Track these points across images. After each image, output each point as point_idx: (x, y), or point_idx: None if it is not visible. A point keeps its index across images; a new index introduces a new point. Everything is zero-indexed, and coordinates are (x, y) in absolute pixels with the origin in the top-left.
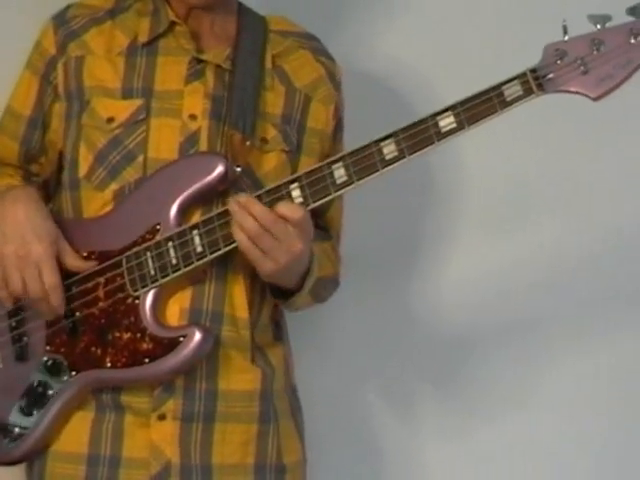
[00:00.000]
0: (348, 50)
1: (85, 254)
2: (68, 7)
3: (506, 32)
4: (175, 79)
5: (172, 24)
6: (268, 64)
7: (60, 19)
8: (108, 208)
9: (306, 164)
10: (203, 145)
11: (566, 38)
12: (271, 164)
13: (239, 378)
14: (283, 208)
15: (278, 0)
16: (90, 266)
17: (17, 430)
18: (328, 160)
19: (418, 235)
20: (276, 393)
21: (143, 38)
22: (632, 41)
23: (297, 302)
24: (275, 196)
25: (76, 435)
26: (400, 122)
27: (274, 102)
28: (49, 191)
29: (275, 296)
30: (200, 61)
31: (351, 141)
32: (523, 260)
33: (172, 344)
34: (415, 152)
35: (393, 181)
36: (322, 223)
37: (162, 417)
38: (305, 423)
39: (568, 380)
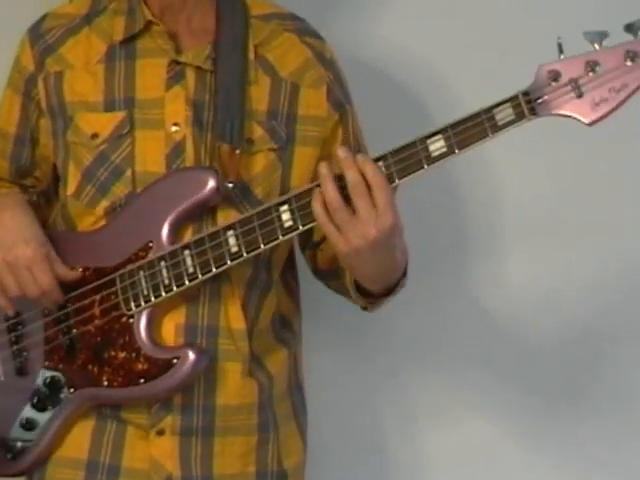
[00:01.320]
0: (345, 37)
1: (80, 270)
2: (44, 17)
3: (510, 19)
4: (155, 84)
5: (148, 23)
6: (251, 55)
7: (36, 33)
8: (101, 224)
9: (302, 154)
10: (189, 155)
11: (561, 57)
12: (258, 167)
13: (236, 393)
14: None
15: None
16: (76, 276)
17: (19, 444)
18: (310, 185)
19: (434, 243)
20: (276, 398)
21: (118, 37)
22: (628, 64)
23: (382, 304)
24: (265, 219)
25: (77, 442)
26: (395, 110)
27: (259, 97)
28: (50, 201)
29: (361, 294)
30: (179, 62)
31: None
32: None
33: (166, 365)
34: (404, 177)
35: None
36: None
37: (161, 432)
38: (311, 424)
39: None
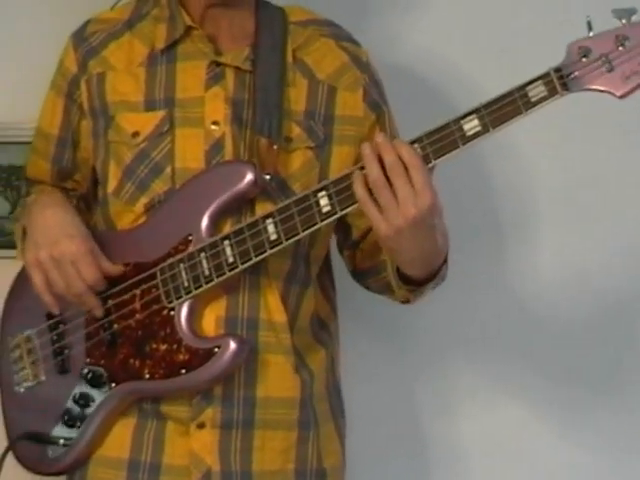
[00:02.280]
0: (375, 43)
1: (121, 265)
2: (87, 23)
3: (537, 20)
4: (195, 85)
5: (188, 29)
6: (289, 58)
7: (79, 37)
8: (141, 221)
9: (340, 154)
10: (228, 151)
11: (590, 34)
12: (296, 164)
13: (278, 385)
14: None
15: None
16: (119, 270)
17: (62, 442)
18: (349, 170)
19: (471, 231)
20: (316, 397)
21: (160, 45)
22: None
23: (425, 292)
24: (303, 205)
25: (118, 441)
26: (428, 113)
27: (297, 98)
28: (89, 205)
29: (406, 282)
30: (219, 64)
31: None
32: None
33: (207, 355)
34: (440, 157)
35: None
36: None
37: (201, 426)
38: (349, 425)
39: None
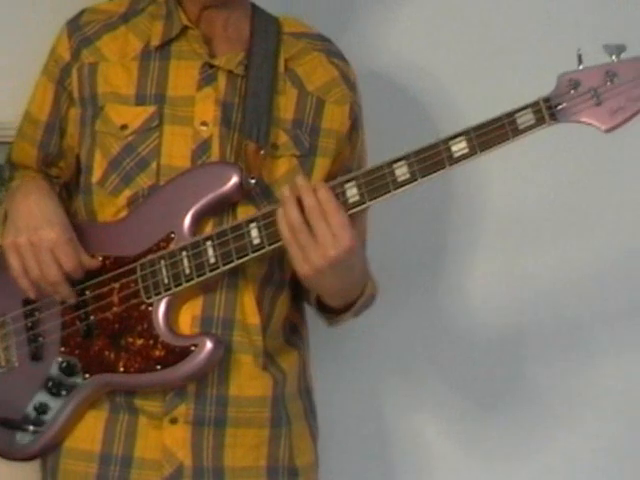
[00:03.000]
0: (356, 50)
1: (100, 258)
2: (83, 12)
3: (517, 32)
4: (187, 84)
5: (185, 28)
6: (281, 68)
7: (74, 25)
8: (122, 214)
9: (321, 165)
10: (215, 152)
11: (580, 67)
12: (281, 170)
13: (250, 384)
14: (323, 196)
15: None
16: (96, 264)
17: (32, 428)
18: (340, 179)
19: (441, 246)
20: (288, 397)
21: (155, 42)
22: None
23: (344, 320)
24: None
25: (90, 433)
26: (408, 123)
27: (286, 106)
28: (70, 193)
29: (322, 311)
30: (212, 66)
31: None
32: (543, 270)
33: (184, 353)
34: (426, 175)
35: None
36: None
37: (174, 421)
38: (320, 428)
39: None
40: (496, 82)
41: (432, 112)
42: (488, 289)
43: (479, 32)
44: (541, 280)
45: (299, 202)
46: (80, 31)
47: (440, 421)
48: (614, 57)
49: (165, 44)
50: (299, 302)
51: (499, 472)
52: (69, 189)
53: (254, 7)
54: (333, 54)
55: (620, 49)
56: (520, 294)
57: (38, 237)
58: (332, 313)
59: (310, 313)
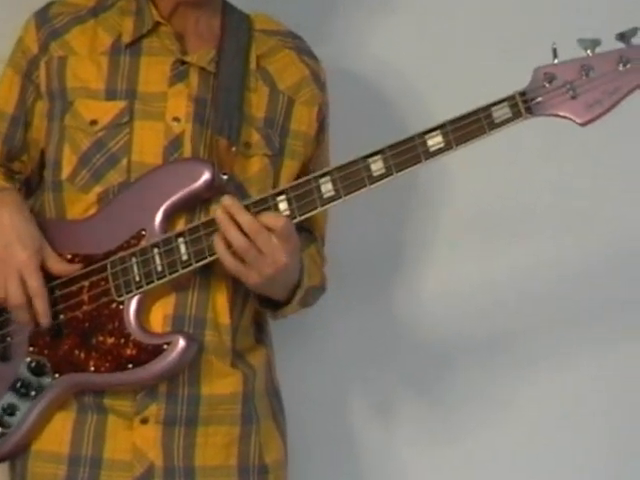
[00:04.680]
0: (334, 50)
1: (69, 256)
2: (51, 3)
3: (495, 35)
4: (159, 80)
5: (156, 24)
6: (252, 65)
7: (43, 16)
8: (92, 211)
9: (289, 167)
10: (187, 148)
11: (556, 61)
12: (254, 169)
13: (221, 382)
14: (266, 218)
15: None
16: (74, 269)
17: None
18: (316, 174)
19: (402, 242)
20: (257, 394)
21: (127, 38)
22: (620, 68)
23: (286, 312)
24: (262, 207)
25: (58, 435)
26: (385, 123)
27: (257, 104)
28: (30, 189)
29: (263, 305)
30: (184, 62)
31: (336, 143)
32: (509, 269)
33: (156, 351)
34: (402, 170)
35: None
36: (306, 224)
37: (145, 421)
38: (288, 425)
39: (551, 390)
40: (473, 82)
41: (408, 113)
42: (447, 286)
43: (455, 31)
44: (503, 278)
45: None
46: (49, 23)
47: (407, 418)
48: (589, 51)
49: (136, 41)
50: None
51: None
52: (29, 185)
53: (225, 4)
54: (304, 52)
55: (595, 43)
56: (482, 291)
57: (8, 254)
58: (272, 306)
59: None
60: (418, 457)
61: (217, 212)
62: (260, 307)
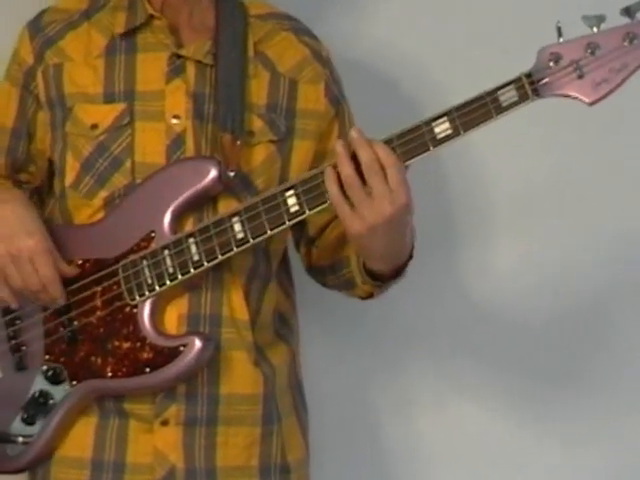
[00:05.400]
0: (334, 36)
1: (80, 262)
2: (43, 12)
3: (500, 16)
4: (156, 77)
5: (150, 18)
6: (250, 52)
7: (35, 26)
8: (99, 216)
9: (300, 148)
10: (189, 146)
11: (560, 40)
12: (259, 157)
13: (241, 382)
14: (381, 150)
15: None
16: (76, 272)
17: (21, 439)
18: (318, 169)
19: (431, 232)
20: (278, 391)
21: (119, 29)
22: (627, 44)
23: (388, 288)
24: (271, 204)
25: (80, 440)
26: (388, 108)
27: (258, 91)
28: (42, 199)
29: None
30: (180, 56)
31: None
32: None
33: (172, 353)
34: (410, 158)
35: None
36: None
37: (165, 423)
38: (311, 420)
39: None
40: (480, 66)
41: (416, 98)
42: (473, 281)
43: (460, 14)
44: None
45: (353, 159)
46: (42, 32)
47: (434, 414)
48: (594, 28)
49: (130, 33)
50: (289, 291)
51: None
52: (41, 194)
53: None
54: (302, 32)
55: (600, 20)
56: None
57: (16, 247)
58: (377, 279)
59: (301, 303)
60: (440, 452)
61: (338, 143)
62: (364, 280)
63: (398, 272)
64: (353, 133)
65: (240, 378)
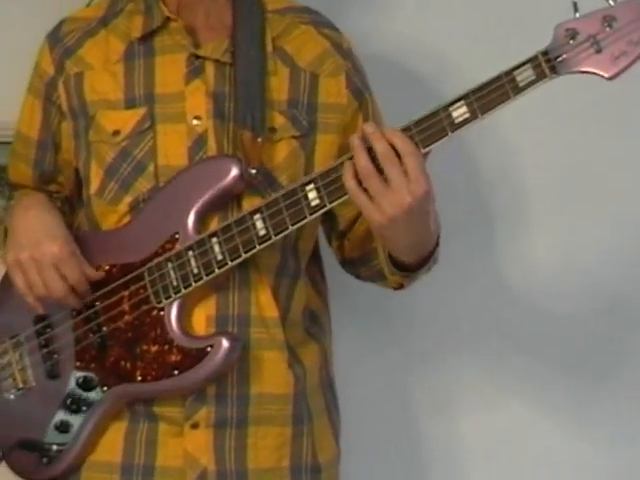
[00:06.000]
0: (358, 31)
1: (107, 267)
2: (61, 23)
3: (524, 9)
4: (175, 79)
5: (166, 20)
6: (269, 48)
7: (54, 37)
8: (125, 221)
9: (324, 142)
10: (211, 146)
11: (577, 15)
12: (282, 155)
13: (271, 382)
14: (398, 138)
15: None
16: (100, 275)
17: (55, 448)
18: (337, 162)
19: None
20: (310, 391)
21: (137, 33)
22: None
23: (417, 278)
24: (291, 199)
25: (110, 445)
26: (412, 101)
27: (279, 87)
28: (73, 208)
29: (399, 269)
30: (198, 57)
31: None
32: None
33: (200, 355)
34: (429, 145)
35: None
36: None
37: (195, 426)
38: (343, 419)
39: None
40: (504, 53)
41: (440, 90)
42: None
43: (484, 10)
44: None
45: (369, 151)
46: (61, 42)
47: (476, 415)
48: (610, 1)
49: (147, 37)
50: (320, 287)
51: (531, 452)
52: (71, 203)
53: None
54: (322, 25)
55: None
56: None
57: (40, 252)
58: (405, 270)
59: (333, 299)
60: (476, 448)
61: (353, 137)
62: (391, 272)
63: (424, 262)
64: (367, 128)
65: (271, 378)
